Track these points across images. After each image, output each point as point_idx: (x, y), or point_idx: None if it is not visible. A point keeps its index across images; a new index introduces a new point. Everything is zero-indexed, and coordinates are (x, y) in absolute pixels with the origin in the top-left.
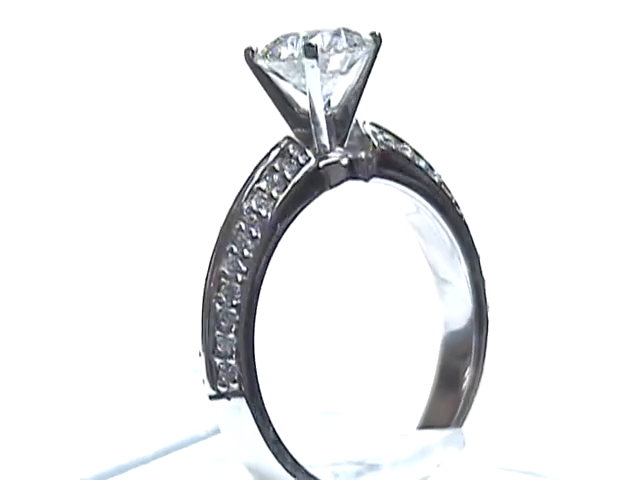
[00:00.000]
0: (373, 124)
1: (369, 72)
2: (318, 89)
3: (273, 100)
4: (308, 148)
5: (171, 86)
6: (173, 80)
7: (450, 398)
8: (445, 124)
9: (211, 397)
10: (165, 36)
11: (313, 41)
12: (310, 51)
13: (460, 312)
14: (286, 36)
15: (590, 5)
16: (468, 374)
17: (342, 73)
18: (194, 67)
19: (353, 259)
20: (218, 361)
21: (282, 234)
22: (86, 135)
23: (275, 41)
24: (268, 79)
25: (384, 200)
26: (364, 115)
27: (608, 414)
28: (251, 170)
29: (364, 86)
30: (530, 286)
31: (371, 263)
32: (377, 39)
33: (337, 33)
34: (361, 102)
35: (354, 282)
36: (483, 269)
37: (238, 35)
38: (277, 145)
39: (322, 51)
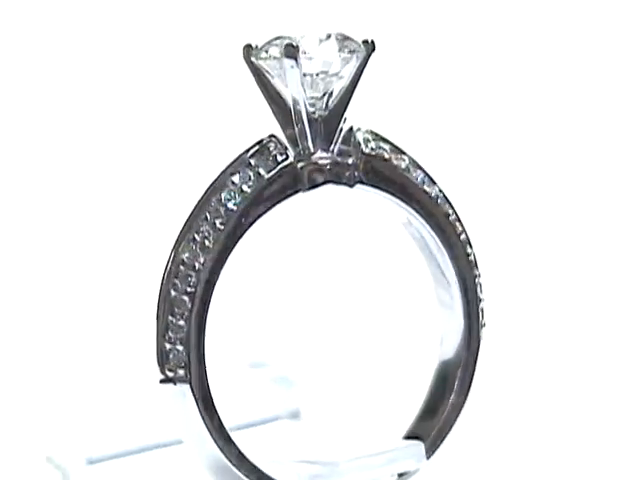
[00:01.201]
0: (370, 132)
1: (358, 78)
2: (299, 89)
3: (265, 98)
4: (294, 149)
5: (173, 82)
6: (174, 76)
7: (433, 417)
8: (457, 132)
9: (160, 381)
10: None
11: (295, 42)
12: (289, 51)
13: (454, 331)
14: (280, 37)
15: (590, 6)
16: (452, 395)
17: (330, 77)
18: (200, 63)
19: (333, 262)
20: (168, 346)
21: (246, 229)
22: (80, 129)
23: (270, 41)
24: (260, 77)
25: (379, 208)
26: (363, 122)
27: (605, 423)
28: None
29: (352, 91)
30: (527, 294)
31: (352, 267)
32: (369, 46)
33: (328, 37)
34: (353, 107)
35: (330, 284)
36: (480, 289)
37: (246, 35)
38: (259, 142)
39: (304, 52)
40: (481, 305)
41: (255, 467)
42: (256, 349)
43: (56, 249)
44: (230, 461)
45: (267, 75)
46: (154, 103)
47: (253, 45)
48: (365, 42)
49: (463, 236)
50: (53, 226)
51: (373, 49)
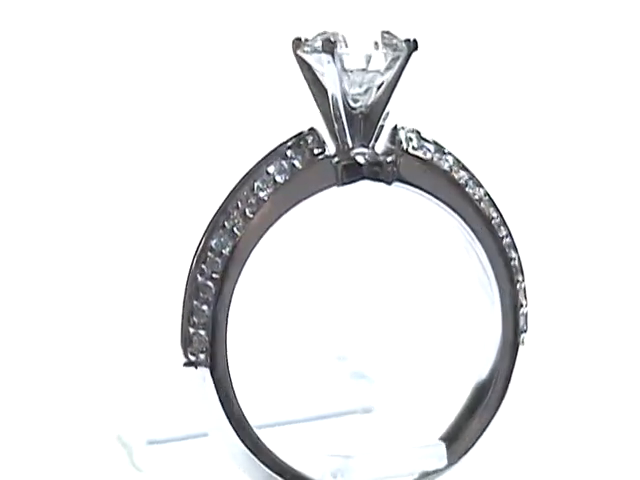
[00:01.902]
0: (413, 130)
1: (399, 75)
2: (336, 84)
3: (311, 92)
4: (334, 143)
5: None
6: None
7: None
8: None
9: (183, 364)
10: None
11: (335, 38)
12: (327, 46)
13: (492, 338)
14: (325, 32)
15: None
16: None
17: (372, 73)
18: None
19: (367, 259)
20: (191, 330)
21: (276, 219)
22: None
23: (316, 35)
24: (305, 70)
25: (417, 208)
26: (409, 121)
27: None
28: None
29: (393, 89)
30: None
31: (388, 266)
32: (411, 45)
33: (371, 34)
34: (400, 106)
35: (363, 281)
36: (522, 295)
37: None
38: (298, 134)
39: (346, 48)
40: (522, 310)
41: (273, 455)
42: (336, 342)
43: (97, 230)
44: (248, 448)
45: (312, 69)
46: (207, 94)
47: (302, 39)
48: (407, 41)
49: (507, 240)
50: (89, 208)
51: (415, 48)
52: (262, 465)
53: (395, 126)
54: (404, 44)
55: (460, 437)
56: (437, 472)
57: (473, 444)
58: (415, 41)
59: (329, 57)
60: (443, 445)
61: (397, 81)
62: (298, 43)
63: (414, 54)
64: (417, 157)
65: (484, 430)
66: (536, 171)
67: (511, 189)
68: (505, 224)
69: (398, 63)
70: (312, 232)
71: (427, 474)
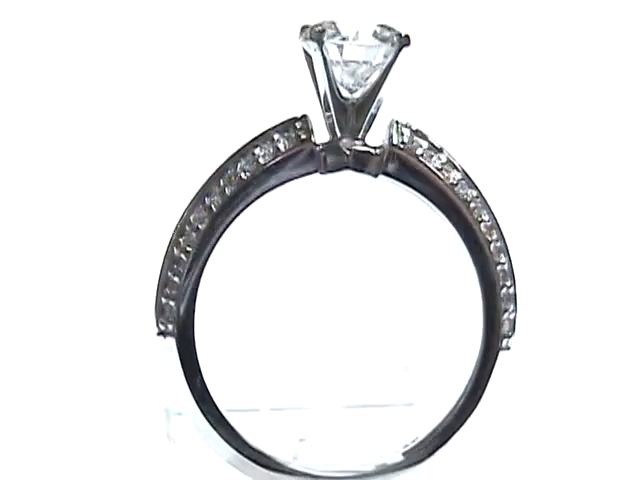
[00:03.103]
0: (407, 126)
1: (389, 68)
2: (322, 73)
3: (313, 81)
4: (332, 131)
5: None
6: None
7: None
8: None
9: (156, 333)
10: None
11: (325, 27)
12: (314, 34)
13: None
14: (323, 22)
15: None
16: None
17: (364, 65)
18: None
19: (347, 250)
20: (164, 300)
21: (253, 200)
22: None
23: (316, 24)
24: (306, 58)
25: (404, 202)
26: (406, 116)
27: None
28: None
29: (383, 81)
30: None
31: (368, 257)
32: (402, 39)
33: (365, 25)
34: (397, 99)
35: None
36: (508, 300)
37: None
38: (289, 119)
39: (339, 38)
40: (508, 315)
41: (234, 430)
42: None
43: (89, 211)
44: (208, 421)
45: (309, 56)
46: (216, 84)
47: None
48: (399, 35)
49: (498, 244)
50: (83, 191)
51: (407, 42)
52: (222, 439)
53: (391, 120)
54: (395, 38)
55: (431, 435)
56: (397, 467)
57: (443, 444)
58: (407, 36)
59: (315, 45)
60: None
61: (387, 75)
62: (302, 30)
63: (408, 48)
64: (406, 152)
65: (455, 431)
66: (537, 173)
67: (514, 191)
68: (497, 227)
69: (390, 57)
70: (293, 216)
71: (385, 467)
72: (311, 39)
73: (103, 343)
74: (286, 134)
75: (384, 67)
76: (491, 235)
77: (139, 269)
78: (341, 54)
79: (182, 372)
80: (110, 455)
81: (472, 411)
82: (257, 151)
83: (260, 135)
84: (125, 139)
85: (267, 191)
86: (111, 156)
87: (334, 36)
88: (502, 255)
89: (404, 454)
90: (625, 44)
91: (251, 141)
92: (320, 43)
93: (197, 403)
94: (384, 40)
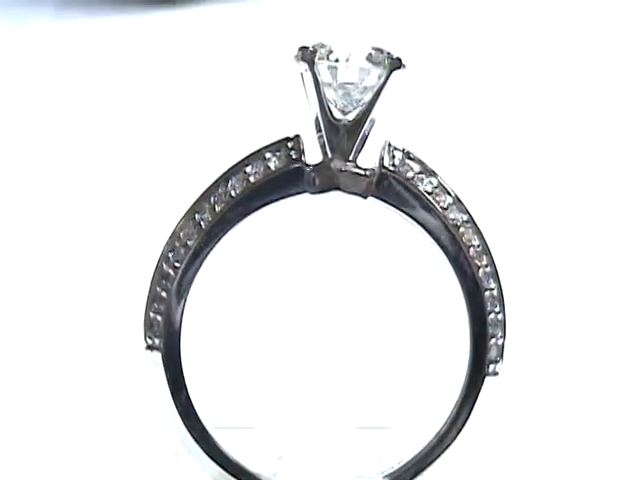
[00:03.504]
0: (400, 149)
1: (380, 90)
2: (312, 93)
3: (306, 101)
4: (323, 151)
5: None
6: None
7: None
8: None
9: (145, 348)
10: None
11: (317, 48)
12: (306, 55)
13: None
14: (318, 44)
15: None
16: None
17: (356, 86)
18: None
19: (336, 269)
20: (152, 315)
21: (243, 218)
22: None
23: (313, 45)
24: (301, 79)
25: (393, 225)
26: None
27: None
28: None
29: (374, 103)
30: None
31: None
32: (394, 62)
33: (358, 48)
34: (385, 121)
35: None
36: (496, 327)
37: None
38: (282, 139)
39: (331, 60)
40: (495, 341)
41: (216, 446)
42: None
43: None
44: (192, 436)
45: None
46: (214, 103)
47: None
48: (390, 57)
49: (488, 269)
50: (80, 194)
51: (398, 65)
52: (205, 454)
53: (384, 142)
54: (387, 60)
55: (413, 460)
56: None
57: (423, 469)
58: (399, 59)
59: (306, 66)
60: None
61: (378, 97)
62: (301, 52)
63: (403, 71)
64: (397, 175)
65: (437, 457)
66: (531, 197)
67: (508, 213)
68: (488, 252)
69: (382, 79)
70: (282, 235)
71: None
72: (302, 60)
73: (106, 355)
74: (277, 153)
75: (376, 89)
76: (481, 260)
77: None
78: (333, 76)
79: (167, 387)
80: (117, 471)
81: (455, 436)
82: (248, 169)
83: (252, 154)
84: (119, 154)
85: (255, 209)
86: (107, 165)
87: (327, 58)
88: (492, 280)
89: (385, 477)
90: (614, 62)
91: (243, 159)
92: (311, 64)
93: (181, 417)
94: (377, 63)
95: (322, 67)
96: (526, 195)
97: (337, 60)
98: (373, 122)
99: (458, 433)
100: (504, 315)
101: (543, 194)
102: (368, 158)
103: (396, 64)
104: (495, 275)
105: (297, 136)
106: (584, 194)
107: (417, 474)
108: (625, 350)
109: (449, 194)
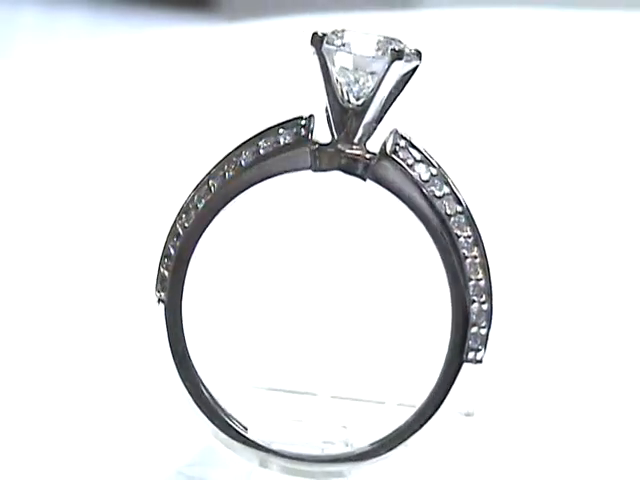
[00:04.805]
0: (403, 136)
1: (383, 76)
2: (322, 77)
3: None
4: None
5: None
6: None
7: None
8: None
9: (157, 301)
10: None
11: (323, 33)
12: (314, 39)
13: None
14: (335, 30)
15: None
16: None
17: (364, 72)
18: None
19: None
20: (162, 270)
21: (247, 187)
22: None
23: (331, 32)
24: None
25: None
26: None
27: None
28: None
29: (377, 89)
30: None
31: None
32: (394, 53)
33: (369, 35)
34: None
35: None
36: (480, 319)
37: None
38: (297, 117)
39: (342, 45)
40: (477, 330)
41: (208, 399)
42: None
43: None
44: (186, 387)
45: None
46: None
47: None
48: (393, 48)
49: (477, 260)
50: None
51: (400, 56)
52: (196, 406)
53: (392, 130)
54: (396, 49)
55: (393, 434)
56: (344, 460)
57: (401, 442)
58: (401, 50)
59: (313, 49)
60: (347, 431)
61: (384, 85)
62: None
63: (401, 62)
64: (397, 161)
65: (412, 434)
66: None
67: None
68: (479, 244)
69: (386, 66)
70: (282, 208)
71: (334, 458)
72: (311, 44)
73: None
74: (290, 130)
75: (379, 78)
76: (470, 251)
77: None
78: (344, 61)
79: (166, 336)
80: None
81: (429, 417)
82: (261, 143)
83: (269, 128)
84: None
85: (260, 180)
86: (121, 143)
87: (336, 43)
88: (480, 271)
89: (371, 444)
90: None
91: (260, 133)
92: (319, 48)
93: (177, 368)
94: (385, 52)
95: (331, 52)
96: (528, 192)
97: (345, 45)
98: (384, 109)
99: (432, 415)
100: (490, 306)
101: (544, 194)
102: (376, 144)
103: (397, 55)
104: (485, 266)
105: (311, 116)
106: (584, 194)
107: (393, 448)
108: (617, 344)
109: (447, 184)
